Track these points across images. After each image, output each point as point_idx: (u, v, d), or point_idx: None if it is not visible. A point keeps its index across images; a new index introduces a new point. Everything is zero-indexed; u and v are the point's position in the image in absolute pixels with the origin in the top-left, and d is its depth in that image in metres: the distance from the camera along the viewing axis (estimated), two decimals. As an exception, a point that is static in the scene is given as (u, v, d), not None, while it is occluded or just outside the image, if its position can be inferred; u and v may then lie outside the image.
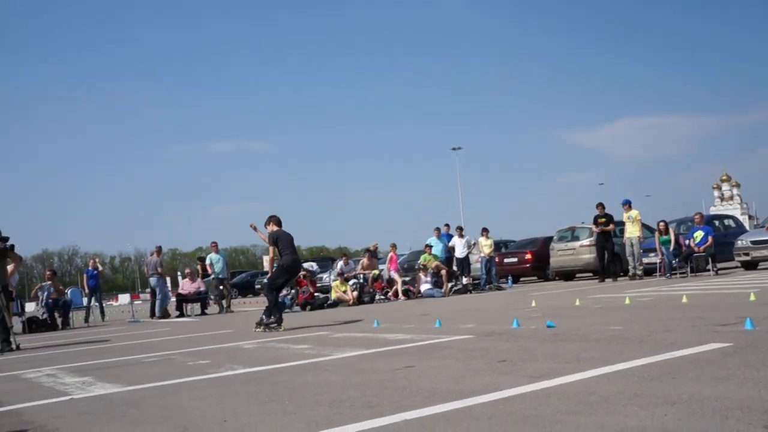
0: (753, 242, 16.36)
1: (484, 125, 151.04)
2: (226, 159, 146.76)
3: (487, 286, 17.81)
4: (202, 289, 17.64)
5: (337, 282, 16.11)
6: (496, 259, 19.75)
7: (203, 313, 17.18)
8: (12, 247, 9.86)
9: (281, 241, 9.57)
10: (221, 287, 17.55)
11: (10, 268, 10.34)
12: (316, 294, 15.84)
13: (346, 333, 8.05)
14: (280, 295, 15.09)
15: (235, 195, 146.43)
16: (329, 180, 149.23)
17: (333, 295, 15.98)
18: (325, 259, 34.10)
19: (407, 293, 16.55)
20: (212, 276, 17.58)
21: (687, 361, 4.07)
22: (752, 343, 4.51)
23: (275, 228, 9.70)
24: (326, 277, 22.58)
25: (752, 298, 7.85)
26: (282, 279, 9.74)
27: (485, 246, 18.64)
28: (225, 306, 17.33)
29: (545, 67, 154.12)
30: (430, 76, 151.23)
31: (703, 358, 4.13)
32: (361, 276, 17.08)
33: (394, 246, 17.68)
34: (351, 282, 16.49)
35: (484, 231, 18.91)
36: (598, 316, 7.59)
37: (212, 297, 17.86)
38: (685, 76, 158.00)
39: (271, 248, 9.61)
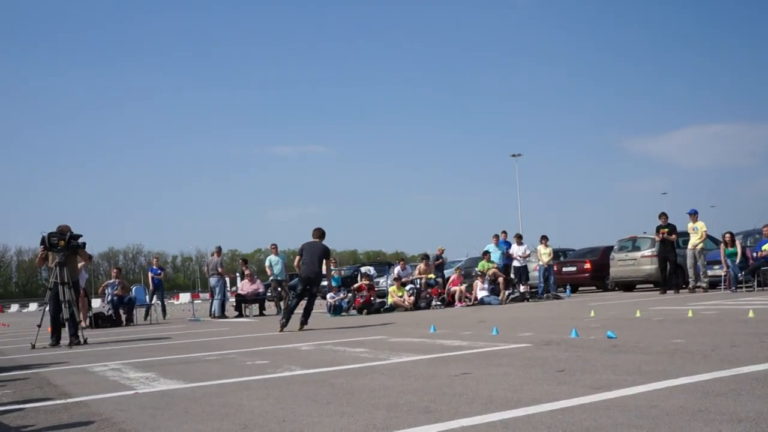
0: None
1: (544, 132, 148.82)
2: (287, 162, 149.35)
3: (545, 295, 17.56)
4: (261, 290, 17.98)
5: (394, 287, 16.17)
6: (555, 268, 19.48)
7: (261, 314, 17.48)
8: (84, 245, 10.31)
9: (304, 252, 10.78)
10: (279, 289, 17.83)
11: (79, 265, 10.82)
12: (372, 298, 15.93)
13: (402, 338, 8.07)
14: (337, 298, 15.43)
15: (295, 198, 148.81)
16: (387, 184, 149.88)
17: (389, 300, 16.04)
18: (383, 264, 34.28)
19: (463, 299, 16.48)
20: (271, 278, 17.88)
21: (754, 378, 3.94)
22: None
23: (312, 239, 10.95)
24: (383, 282, 22.69)
25: (690, 314, 7.51)
26: (299, 286, 10.77)
27: (544, 254, 18.41)
28: (282, 307, 17.59)
29: (608, 72, 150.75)
30: (491, 80, 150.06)
31: (773, 376, 3.99)
32: (418, 281, 17.09)
33: (459, 270, 17.64)
34: (408, 287, 16.51)
35: (543, 239, 18.67)
36: (660, 328, 7.41)
37: (272, 298, 18.18)
38: (758, 82, 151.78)
39: (296, 258, 10.91)
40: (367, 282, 15.94)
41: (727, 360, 4.69)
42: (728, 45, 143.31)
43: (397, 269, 18.43)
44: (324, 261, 11.07)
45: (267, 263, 18.17)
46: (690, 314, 8.80)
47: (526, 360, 5.30)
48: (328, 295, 15.97)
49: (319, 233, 10.95)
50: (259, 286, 18.00)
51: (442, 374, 4.80)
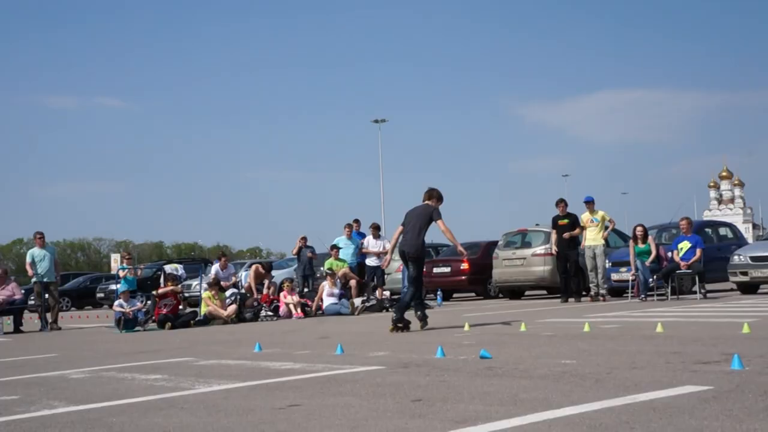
0: (753, 258, 17.26)
1: (416, 94, 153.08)
2: (66, 118, 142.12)
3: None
4: (17, 296, 17.08)
5: (210, 292, 15.94)
6: (423, 269, 20.01)
7: (17, 330, 16.67)
8: None
9: (405, 220, 11.20)
10: (47, 295, 17.09)
11: None
12: (180, 307, 15.63)
13: (215, 359, 8.06)
14: (130, 307, 14.95)
15: (75, 170, 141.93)
16: (209, 156, 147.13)
17: (203, 309, 15.81)
18: (196, 261, 33.63)
19: (304, 309, 16.57)
20: (33, 279, 17.10)
21: (652, 408, 4.26)
22: (737, 387, 4.78)
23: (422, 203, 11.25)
24: (197, 285, 22.29)
25: (745, 329, 8.29)
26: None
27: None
28: (49, 321, 16.85)
29: (496, 25, 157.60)
30: (352, 32, 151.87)
31: (674, 405, 4.34)
32: (242, 284, 16.95)
33: (289, 284, 17.60)
34: (229, 292, 16.34)
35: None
36: (548, 346, 7.84)
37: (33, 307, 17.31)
38: (683, 40, 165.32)
39: (397, 230, 11.34)
40: (174, 285, 15.61)
41: (623, 385, 5.05)
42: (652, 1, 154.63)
43: (214, 269, 18.18)
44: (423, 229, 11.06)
45: (29, 259, 17.32)
46: (586, 329, 9.40)
47: (375, 387, 5.42)
48: (115, 304, 15.47)
49: (428, 194, 11.18)
50: (14, 290, 17.06)
51: (262, 407, 4.82)
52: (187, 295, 20.89)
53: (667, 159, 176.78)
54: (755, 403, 4.28)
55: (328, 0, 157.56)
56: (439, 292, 20.09)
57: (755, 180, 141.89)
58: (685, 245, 16.40)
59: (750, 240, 25.48)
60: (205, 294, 16.29)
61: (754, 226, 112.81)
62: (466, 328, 10.45)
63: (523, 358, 6.80)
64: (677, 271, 16.32)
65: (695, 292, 16.29)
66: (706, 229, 20.20)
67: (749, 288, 17.70)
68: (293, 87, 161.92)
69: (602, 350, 7.22)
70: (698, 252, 16.16)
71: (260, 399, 5.18)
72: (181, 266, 21.37)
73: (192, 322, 15.29)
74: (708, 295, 16.48)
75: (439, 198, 11.15)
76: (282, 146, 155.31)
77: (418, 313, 11.04)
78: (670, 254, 16.72)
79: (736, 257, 17.57)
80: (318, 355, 7.97)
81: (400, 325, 10.76)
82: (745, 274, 17.29)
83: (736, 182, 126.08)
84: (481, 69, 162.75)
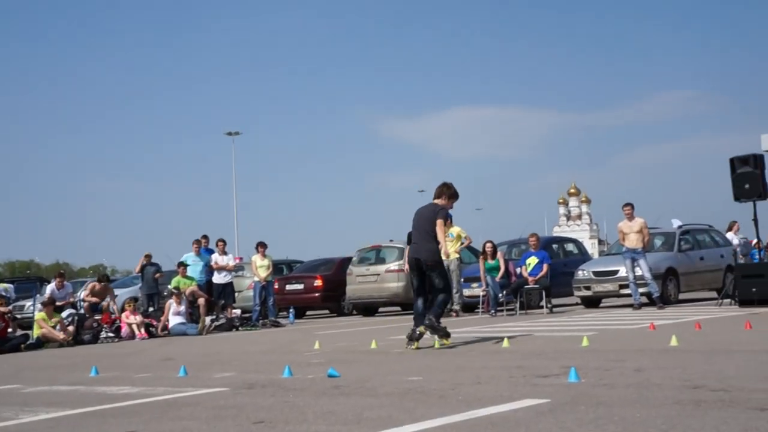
0: (596, 273, 18.09)
1: (271, 107, 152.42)
2: None
3: (261, 321, 17.89)
4: None
5: (43, 313, 15.25)
6: (276, 286, 19.91)
7: None
8: None
9: (412, 226, 10.45)
10: None
11: None
12: (10, 329, 14.90)
13: (45, 386, 7.80)
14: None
15: None
16: (47, 165, 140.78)
17: (36, 332, 15.12)
18: (31, 280, 32.19)
19: (149, 329, 16.14)
20: None
21: (491, 422, 4.40)
22: (572, 400, 5.00)
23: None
24: (29, 306, 21.26)
25: (585, 343, 8.71)
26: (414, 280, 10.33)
27: (261, 267, 18.72)
28: None
29: (357, 40, 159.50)
30: (205, 43, 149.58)
31: (512, 418, 4.50)
32: (81, 304, 16.32)
33: (132, 304, 17.03)
34: (65, 313, 15.70)
35: (260, 246, 18.97)
36: (398, 363, 7.98)
37: None
38: (534, 60, 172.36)
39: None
40: (1, 306, 14.84)
41: (466, 401, 5.19)
42: (506, 18, 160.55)
43: (50, 288, 17.43)
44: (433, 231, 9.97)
45: None
46: (436, 345, 9.60)
47: (217, 410, 5.36)
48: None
49: (438, 191, 10.15)
50: None
51: (92, 436, 4.66)
52: (19, 316, 19.91)
53: (519, 176, 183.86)
54: (586, 414, 4.50)
55: (179, 11, 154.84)
56: (291, 310, 20.00)
57: (601, 197, 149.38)
58: (532, 261, 17.02)
59: (595, 255, 26.85)
60: (38, 315, 15.54)
61: (600, 242, 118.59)
62: (317, 346, 10.46)
63: (371, 375, 6.88)
64: (525, 286, 16.90)
65: (542, 307, 16.92)
66: (553, 245, 20.98)
67: (592, 302, 18.54)
68: (142, 96, 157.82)
69: (449, 366, 7.40)
70: (545, 267, 16.80)
71: (92, 427, 5.02)
72: (12, 286, 20.39)
73: (23, 345, 14.57)
74: (554, 309, 17.14)
75: (451, 196, 10.16)
76: (129, 158, 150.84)
77: (436, 326, 9.78)
78: (518, 270, 17.31)
79: (580, 272, 18.37)
80: (159, 377, 7.81)
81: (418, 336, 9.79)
82: (588, 288, 18.10)
83: (584, 199, 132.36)
84: (339, 82, 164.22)
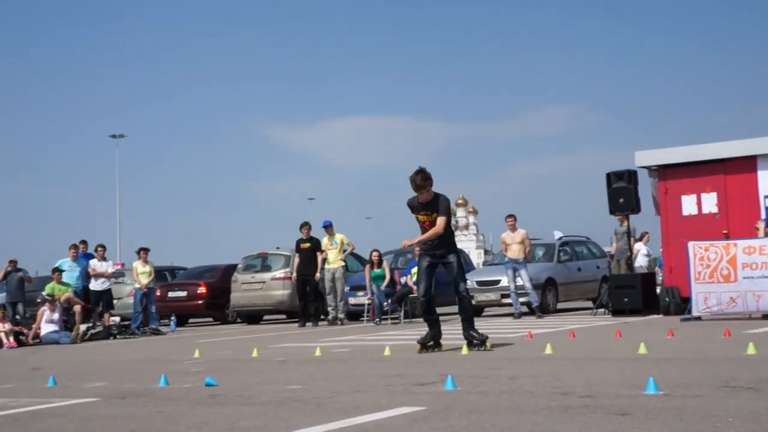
0: (479, 283, 18.47)
1: (159, 110, 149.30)
2: None
3: (141, 329, 17.50)
4: None
5: None
6: (158, 293, 19.52)
7: None
8: None
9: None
10: None
11: None
12: None
13: None
14: None
15: None
16: None
17: None
18: None
19: (18, 338, 15.54)
20: None
21: (365, 430, 4.46)
22: (447, 407, 5.10)
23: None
24: None
25: (464, 351, 8.88)
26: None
27: (142, 273, 18.32)
28: None
29: (246, 44, 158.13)
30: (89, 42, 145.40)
31: (386, 426, 4.56)
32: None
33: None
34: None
35: (142, 252, 18.57)
36: (278, 371, 7.96)
37: None
38: (424, 71, 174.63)
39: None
40: None
41: (343, 409, 5.22)
42: (398, 29, 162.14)
43: None
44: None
45: None
46: (318, 353, 9.62)
47: (85, 421, 5.22)
48: None
49: (421, 177, 9.05)
50: None
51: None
52: None
53: (409, 185, 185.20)
54: (459, 421, 4.60)
55: (63, 9, 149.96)
56: (173, 318, 19.64)
57: (488, 208, 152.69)
58: (416, 270, 17.21)
59: (479, 265, 27.52)
60: None
61: (486, 252, 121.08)
62: (197, 354, 10.31)
63: (250, 384, 6.83)
64: (410, 295, 17.10)
65: (426, 316, 17.09)
66: (439, 254, 21.29)
67: (475, 311, 18.85)
68: (23, 95, 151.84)
69: (330, 374, 7.42)
70: (430, 276, 17.02)
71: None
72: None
73: None
74: (439, 318, 17.38)
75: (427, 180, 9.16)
76: (4, 158, 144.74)
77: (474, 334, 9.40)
78: (404, 279, 17.50)
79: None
80: (25, 388, 7.53)
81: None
82: (471, 297, 18.44)
83: (471, 210, 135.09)
84: (228, 88, 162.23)
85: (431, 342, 9.56)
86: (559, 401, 5.18)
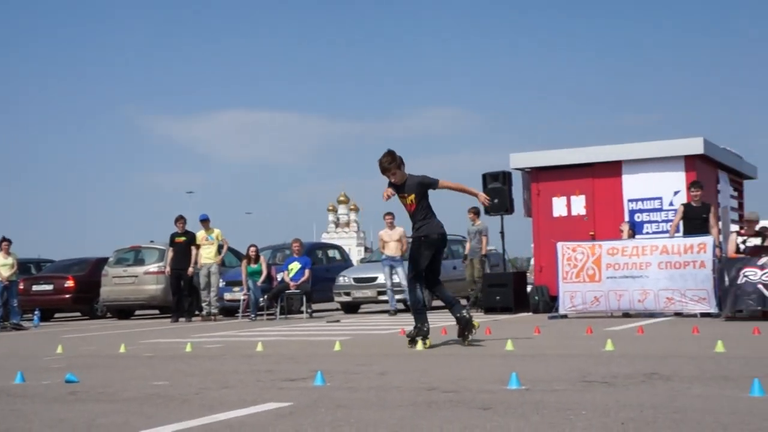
0: (356, 280, 18.61)
1: (26, 96, 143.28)
2: None
3: (1, 324, 16.79)
4: None
5: None
6: (21, 286, 18.79)
7: None
8: None
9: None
10: None
11: None
12: None
13: None
14: None
15: None
16: None
17: None
18: None
19: None
20: None
21: (228, 425, 4.40)
22: (314, 402, 5.10)
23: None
24: None
25: (337, 347, 8.90)
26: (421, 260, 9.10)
27: (3, 266, 17.56)
28: None
29: (129, 32, 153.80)
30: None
31: (249, 422, 4.52)
32: None
33: None
34: None
35: (4, 243, 17.79)
36: (146, 367, 7.78)
37: None
38: (308, 67, 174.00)
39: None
40: None
41: (209, 405, 5.15)
42: (283, 24, 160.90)
43: None
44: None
45: None
46: (188, 349, 9.46)
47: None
48: None
49: (387, 160, 8.76)
50: None
51: None
52: None
53: (291, 181, 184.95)
54: (325, 416, 4.61)
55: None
56: (36, 312, 18.90)
57: (370, 205, 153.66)
58: (295, 266, 17.20)
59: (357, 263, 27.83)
60: None
61: (366, 249, 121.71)
62: (60, 350, 9.95)
63: (114, 380, 6.65)
64: (286, 291, 17.06)
65: (303, 312, 17.12)
66: (317, 251, 21.37)
67: (352, 307, 19.05)
68: None
69: (199, 370, 7.31)
70: (307, 273, 17.03)
71: None
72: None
73: None
74: (314, 314, 17.42)
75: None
76: None
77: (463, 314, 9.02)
78: (280, 275, 17.44)
79: (341, 278, 18.83)
80: None
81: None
82: (348, 294, 18.59)
83: (353, 207, 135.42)
84: (107, 78, 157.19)
85: (417, 336, 8.95)
86: (425, 396, 5.25)
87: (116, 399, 5.57)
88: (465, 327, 8.94)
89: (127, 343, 10.30)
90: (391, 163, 8.75)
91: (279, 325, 14.46)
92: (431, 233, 8.91)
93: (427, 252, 8.99)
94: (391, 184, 8.89)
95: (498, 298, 15.78)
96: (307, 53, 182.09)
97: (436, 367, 6.95)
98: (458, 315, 9.01)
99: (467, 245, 18.09)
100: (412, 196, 8.80)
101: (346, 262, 22.19)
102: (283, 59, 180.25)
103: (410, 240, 9.17)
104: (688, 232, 13.43)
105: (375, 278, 18.13)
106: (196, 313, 17.95)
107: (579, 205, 15.79)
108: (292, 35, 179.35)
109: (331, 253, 22.43)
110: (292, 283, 16.99)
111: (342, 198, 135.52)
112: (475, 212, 17.56)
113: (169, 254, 17.77)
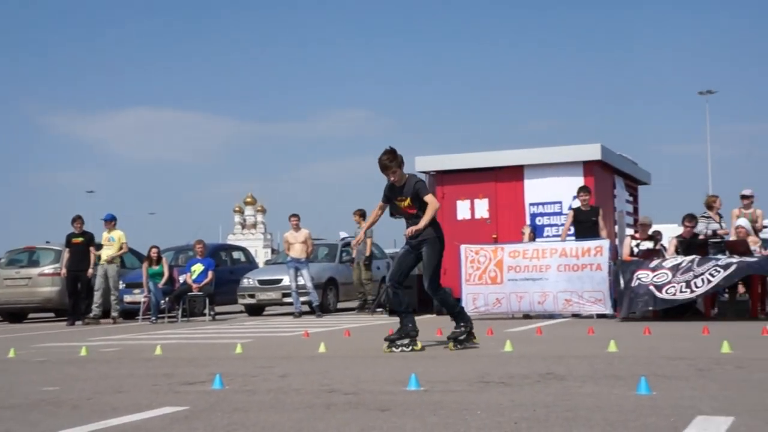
0: (261, 282, 18.45)
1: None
2: None
3: None
4: None
5: None
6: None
7: None
8: None
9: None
10: None
11: None
12: None
13: None
14: None
15: None
16: None
17: None
18: None
19: None
20: None
21: (121, 431, 4.30)
22: (211, 406, 5.03)
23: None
24: None
25: (238, 350, 8.80)
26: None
27: None
28: None
29: (34, 28, 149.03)
30: None
31: (144, 427, 4.42)
32: None
33: None
34: None
35: None
36: (36, 372, 7.53)
37: None
38: (220, 67, 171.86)
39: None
40: None
41: (101, 410, 5.01)
42: (188, 23, 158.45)
43: None
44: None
45: None
46: (84, 352, 9.19)
47: None
48: None
49: (387, 157, 8.42)
50: None
51: None
52: None
53: (197, 181, 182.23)
54: (221, 420, 4.55)
55: None
56: None
57: (277, 207, 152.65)
58: (198, 268, 16.93)
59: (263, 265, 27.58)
60: None
61: (273, 251, 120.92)
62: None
63: (1, 387, 6.40)
64: (188, 293, 16.79)
65: (205, 314, 16.89)
66: (221, 253, 21.11)
67: (256, 310, 18.89)
68: None
69: (93, 375, 7.11)
70: (210, 274, 16.79)
71: None
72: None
73: None
74: (217, 317, 17.20)
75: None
76: None
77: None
78: (182, 277, 17.16)
79: (245, 280, 18.64)
80: None
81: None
82: (252, 296, 18.42)
83: (260, 208, 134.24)
84: (3, 73, 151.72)
85: (397, 337, 8.54)
86: (324, 398, 5.24)
87: (0, 406, 5.37)
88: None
89: (17, 348, 9.94)
90: (392, 161, 8.44)
91: (180, 328, 14.21)
92: (441, 234, 8.59)
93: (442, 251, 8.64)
94: (389, 185, 8.58)
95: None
96: (214, 52, 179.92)
97: (337, 370, 6.94)
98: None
99: (353, 249, 17.90)
100: (408, 200, 8.49)
101: (251, 264, 21.99)
102: (189, 57, 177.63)
103: (406, 246, 8.64)
104: (580, 235, 13.82)
105: (280, 280, 18.02)
106: (92, 315, 17.46)
107: (482, 208, 16.01)
108: (199, 33, 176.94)
109: (235, 254, 22.19)
110: (194, 285, 16.73)
111: (249, 199, 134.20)
112: (361, 214, 17.55)
113: (65, 255, 17.27)
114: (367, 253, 17.43)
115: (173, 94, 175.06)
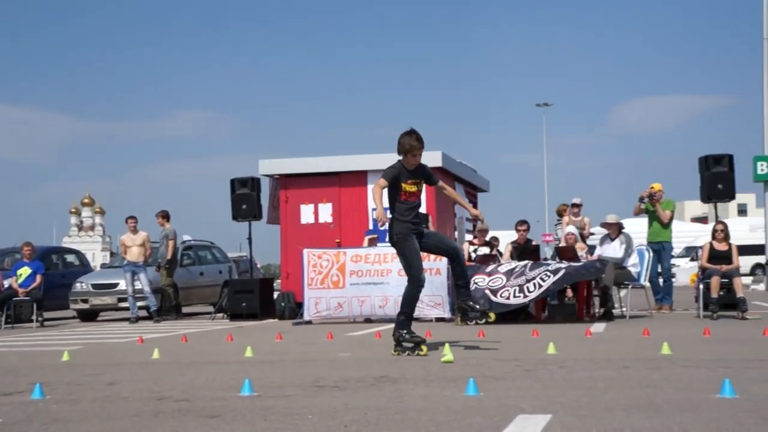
0: (95, 286, 17.75)
1: None
2: None
3: None
4: None
5: None
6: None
7: None
8: None
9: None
10: None
11: None
12: None
13: None
14: None
15: None
16: None
17: None
18: None
19: None
20: None
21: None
22: (27, 418, 4.80)
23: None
24: None
25: (65, 357, 8.43)
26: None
27: None
28: None
29: None
30: None
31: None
32: None
33: None
34: None
35: None
36: None
37: None
38: (54, 63, 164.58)
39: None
40: None
41: None
42: (20, 12, 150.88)
43: None
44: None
45: None
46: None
47: None
48: None
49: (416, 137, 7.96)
50: None
51: None
52: None
53: (30, 181, 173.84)
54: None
55: None
56: None
57: (117, 209, 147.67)
58: (25, 271, 16.13)
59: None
60: None
61: (112, 254, 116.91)
62: None
63: None
64: (14, 298, 15.98)
65: (33, 321, 16.10)
66: (52, 256, 20.25)
67: (89, 315, 18.15)
68: None
69: None
70: (38, 278, 16.03)
71: None
72: None
73: None
74: (46, 323, 16.42)
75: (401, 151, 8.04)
76: None
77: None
78: (7, 281, 16.33)
79: (78, 284, 17.88)
80: None
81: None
82: (85, 301, 17.70)
83: (98, 210, 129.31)
84: None
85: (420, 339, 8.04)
86: (153, 406, 5.10)
87: None
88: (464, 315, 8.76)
89: None
90: (421, 141, 7.99)
91: (3, 336, 13.48)
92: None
93: None
94: (400, 167, 8.06)
95: (244, 304, 15.67)
96: (51, 45, 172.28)
97: (169, 376, 6.77)
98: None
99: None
100: (418, 184, 8.14)
101: (85, 268, 21.18)
102: (23, 50, 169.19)
103: (398, 237, 8.17)
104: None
105: (116, 284, 17.42)
106: None
107: (326, 212, 16.07)
108: (35, 27, 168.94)
109: (68, 257, 21.33)
110: (20, 290, 15.91)
111: (86, 200, 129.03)
112: (164, 215, 17.24)
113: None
114: (168, 256, 16.98)
115: (4, 88, 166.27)
